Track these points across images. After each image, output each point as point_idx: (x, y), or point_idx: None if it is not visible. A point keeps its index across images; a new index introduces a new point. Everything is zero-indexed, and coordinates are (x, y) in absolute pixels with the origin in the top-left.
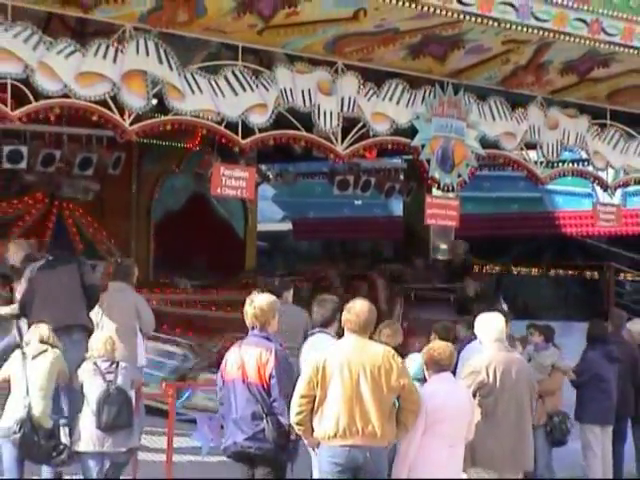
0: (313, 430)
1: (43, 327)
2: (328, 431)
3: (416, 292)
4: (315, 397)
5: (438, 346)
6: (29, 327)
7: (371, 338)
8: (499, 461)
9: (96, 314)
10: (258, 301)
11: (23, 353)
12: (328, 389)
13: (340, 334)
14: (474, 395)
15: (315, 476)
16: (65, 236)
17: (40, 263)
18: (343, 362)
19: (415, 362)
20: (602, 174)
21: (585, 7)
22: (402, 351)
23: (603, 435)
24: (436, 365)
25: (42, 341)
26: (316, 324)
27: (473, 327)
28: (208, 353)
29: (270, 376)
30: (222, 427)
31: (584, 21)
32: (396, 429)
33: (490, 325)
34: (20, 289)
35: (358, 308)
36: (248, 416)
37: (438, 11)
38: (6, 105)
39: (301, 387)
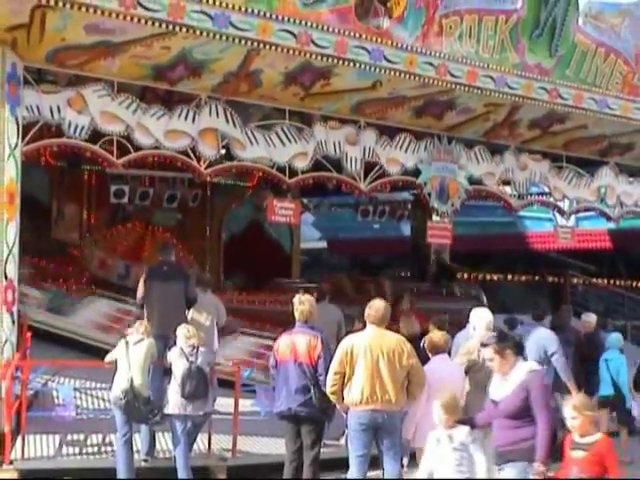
0: (343, 398)
1: (143, 323)
2: (355, 399)
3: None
4: (345, 373)
5: (436, 335)
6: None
7: (389, 328)
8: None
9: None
10: (305, 301)
11: (126, 342)
12: (355, 367)
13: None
14: (468, 370)
15: (348, 433)
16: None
17: (154, 269)
18: (366, 346)
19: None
20: (560, 203)
21: (546, 78)
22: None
23: (562, 402)
24: (435, 348)
25: (141, 332)
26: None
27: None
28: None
29: (318, 357)
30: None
31: (545, 89)
32: (406, 397)
33: (483, 317)
34: (139, 287)
35: (377, 305)
36: (300, 388)
37: (435, 82)
38: (112, 155)
39: (334, 366)
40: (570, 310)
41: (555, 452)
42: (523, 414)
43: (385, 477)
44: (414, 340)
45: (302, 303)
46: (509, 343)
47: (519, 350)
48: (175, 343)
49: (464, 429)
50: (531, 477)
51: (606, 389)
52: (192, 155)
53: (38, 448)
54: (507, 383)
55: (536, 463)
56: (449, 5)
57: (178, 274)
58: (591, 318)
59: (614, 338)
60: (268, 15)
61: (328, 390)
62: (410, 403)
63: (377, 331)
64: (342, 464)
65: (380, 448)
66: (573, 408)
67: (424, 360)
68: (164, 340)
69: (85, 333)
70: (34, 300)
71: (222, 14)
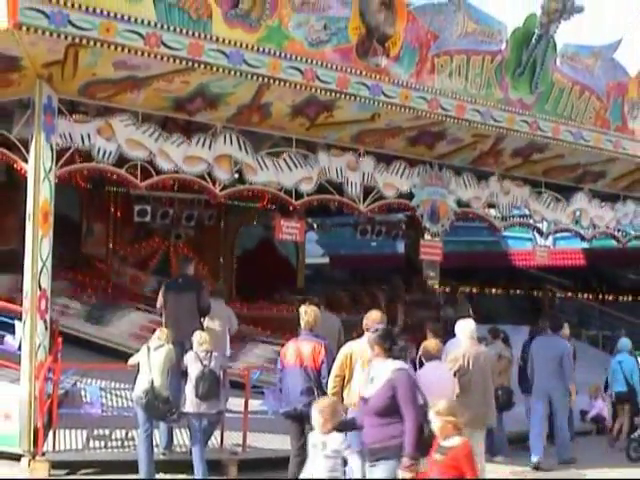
0: (342, 399)
1: (164, 330)
2: (353, 400)
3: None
4: (345, 377)
5: (431, 343)
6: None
7: None
8: (471, 420)
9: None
10: (310, 311)
11: (148, 347)
12: (353, 371)
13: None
14: (454, 375)
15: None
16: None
17: (170, 282)
18: (363, 352)
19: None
20: (539, 225)
21: (527, 112)
22: None
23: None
24: (429, 355)
25: (161, 339)
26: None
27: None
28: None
29: (321, 362)
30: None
31: (526, 122)
32: None
33: (466, 327)
34: (158, 298)
35: (373, 315)
36: (304, 390)
37: (428, 115)
38: (137, 178)
39: (335, 369)
40: (547, 322)
41: (424, 447)
42: (391, 412)
43: None
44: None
45: (307, 313)
46: (386, 343)
47: (391, 353)
48: (191, 348)
49: (338, 437)
50: (399, 472)
51: (620, 386)
52: (208, 179)
53: (67, 442)
54: (376, 381)
55: (404, 458)
56: (440, 46)
57: (191, 286)
58: (565, 329)
59: (624, 343)
60: (278, 54)
61: (329, 392)
62: None
63: None
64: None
65: None
66: (435, 413)
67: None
68: (180, 345)
69: (122, 342)
70: (75, 312)
71: (236, 52)
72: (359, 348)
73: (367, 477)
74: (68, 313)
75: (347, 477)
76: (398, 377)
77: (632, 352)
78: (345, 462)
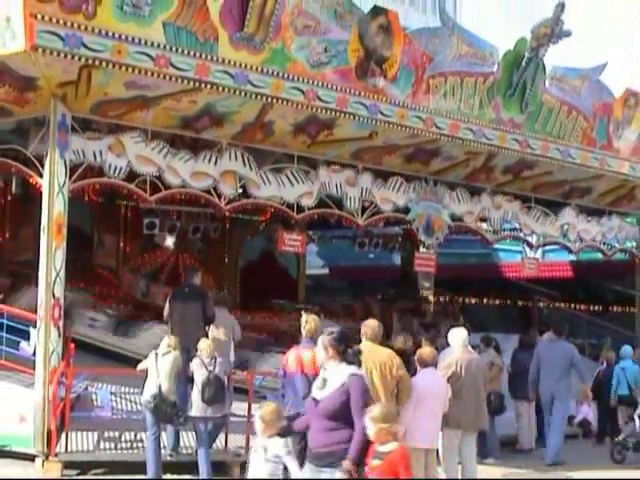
0: None
1: (172, 338)
2: None
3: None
4: None
5: (426, 351)
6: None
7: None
8: (464, 424)
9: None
10: (310, 320)
11: (156, 353)
12: None
13: None
14: (448, 381)
15: None
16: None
17: (177, 292)
18: (362, 360)
19: None
20: (529, 238)
21: (517, 131)
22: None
23: (529, 407)
24: (424, 363)
25: (169, 346)
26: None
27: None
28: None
29: None
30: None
31: (517, 140)
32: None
33: (458, 336)
34: (165, 307)
35: (371, 324)
36: (305, 395)
37: (423, 133)
38: (146, 192)
39: None
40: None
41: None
42: (340, 416)
43: None
44: (404, 354)
45: (308, 322)
46: (340, 346)
47: (345, 356)
48: (196, 355)
49: (279, 441)
50: (337, 475)
51: (623, 390)
52: (214, 193)
53: (79, 443)
54: (329, 384)
55: (345, 461)
56: (435, 68)
57: (197, 295)
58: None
59: (627, 350)
60: (280, 74)
61: None
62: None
63: (372, 346)
64: None
65: None
66: (370, 419)
67: (414, 371)
68: (187, 352)
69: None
70: (102, 324)
71: (241, 73)
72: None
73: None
74: (95, 326)
75: None
76: (353, 382)
77: (637, 359)
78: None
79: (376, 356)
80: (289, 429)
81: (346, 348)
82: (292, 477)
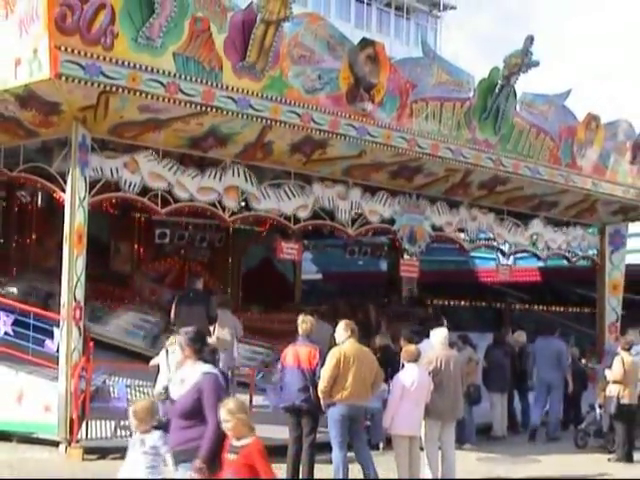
0: (330, 395)
1: (179, 337)
2: (343, 393)
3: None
4: (337, 375)
5: (410, 348)
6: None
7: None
8: (443, 413)
9: (213, 328)
10: (307, 321)
11: (166, 350)
12: (343, 371)
13: None
14: (429, 375)
15: (329, 423)
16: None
17: (183, 295)
18: (350, 356)
19: None
20: (502, 246)
21: (491, 151)
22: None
23: (502, 398)
24: (410, 358)
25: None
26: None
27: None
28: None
29: (316, 364)
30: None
31: (491, 159)
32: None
33: (439, 334)
34: (172, 310)
35: (352, 326)
36: (301, 388)
37: (407, 152)
38: (157, 205)
39: (331, 369)
40: (509, 330)
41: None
42: (195, 415)
43: (355, 454)
44: (385, 349)
45: (304, 322)
46: (196, 344)
47: (201, 355)
48: None
49: (156, 434)
50: (189, 474)
51: None
52: (219, 206)
53: (98, 431)
54: (185, 383)
55: (196, 460)
56: (418, 94)
57: (201, 299)
58: (522, 336)
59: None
60: (279, 100)
61: (322, 387)
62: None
63: (354, 344)
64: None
65: (351, 433)
66: (227, 412)
67: (399, 366)
68: None
69: None
70: (144, 331)
71: (243, 98)
72: (349, 352)
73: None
74: (140, 332)
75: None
76: (205, 380)
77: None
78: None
79: (359, 352)
80: (166, 424)
81: (202, 347)
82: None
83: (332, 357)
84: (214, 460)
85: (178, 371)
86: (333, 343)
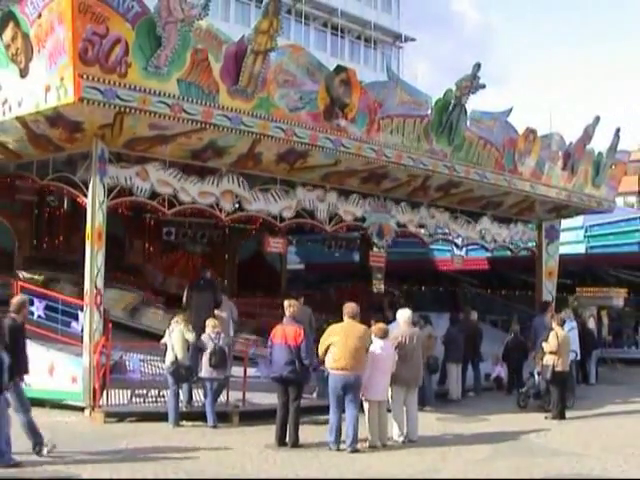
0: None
1: (179, 316)
2: (334, 365)
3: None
4: (329, 346)
5: (380, 326)
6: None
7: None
8: (408, 381)
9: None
10: (293, 304)
11: (170, 330)
12: (336, 343)
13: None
14: (395, 349)
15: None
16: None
17: (194, 283)
18: (344, 331)
19: None
20: (456, 240)
21: (446, 159)
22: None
23: (457, 368)
24: (380, 334)
25: (176, 322)
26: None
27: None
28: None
29: (301, 341)
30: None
31: (446, 166)
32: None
33: (404, 314)
34: (184, 296)
35: (350, 306)
36: (288, 361)
37: (375, 161)
38: (165, 207)
39: (325, 341)
40: (469, 310)
41: None
42: None
43: (347, 418)
44: None
45: (291, 305)
46: None
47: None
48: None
49: None
50: None
51: None
52: (216, 208)
53: (117, 398)
54: None
55: None
56: (384, 111)
57: (209, 286)
58: (474, 315)
59: None
60: (266, 117)
61: (321, 357)
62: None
63: (350, 322)
64: (314, 410)
65: (344, 399)
66: None
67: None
68: (200, 329)
69: None
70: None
71: (236, 117)
72: (341, 328)
73: None
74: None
75: None
76: None
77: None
78: None
79: (353, 328)
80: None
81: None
82: None
83: (328, 331)
84: None
85: None
86: (313, 322)
